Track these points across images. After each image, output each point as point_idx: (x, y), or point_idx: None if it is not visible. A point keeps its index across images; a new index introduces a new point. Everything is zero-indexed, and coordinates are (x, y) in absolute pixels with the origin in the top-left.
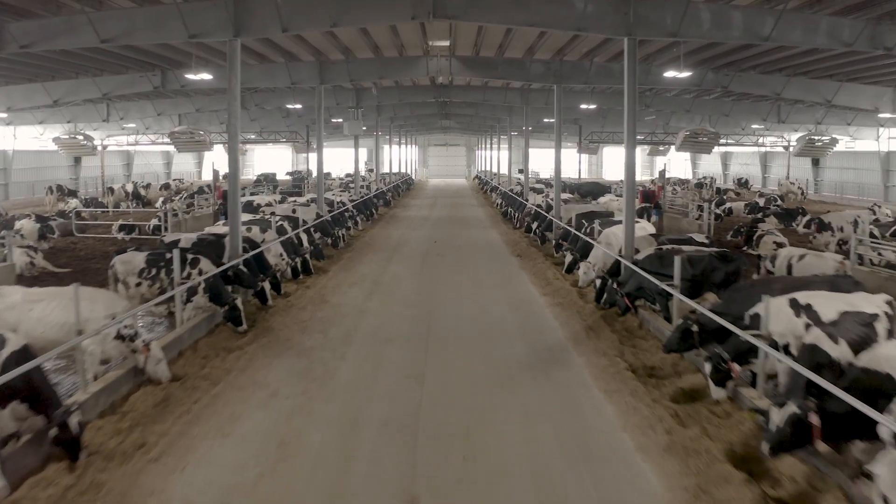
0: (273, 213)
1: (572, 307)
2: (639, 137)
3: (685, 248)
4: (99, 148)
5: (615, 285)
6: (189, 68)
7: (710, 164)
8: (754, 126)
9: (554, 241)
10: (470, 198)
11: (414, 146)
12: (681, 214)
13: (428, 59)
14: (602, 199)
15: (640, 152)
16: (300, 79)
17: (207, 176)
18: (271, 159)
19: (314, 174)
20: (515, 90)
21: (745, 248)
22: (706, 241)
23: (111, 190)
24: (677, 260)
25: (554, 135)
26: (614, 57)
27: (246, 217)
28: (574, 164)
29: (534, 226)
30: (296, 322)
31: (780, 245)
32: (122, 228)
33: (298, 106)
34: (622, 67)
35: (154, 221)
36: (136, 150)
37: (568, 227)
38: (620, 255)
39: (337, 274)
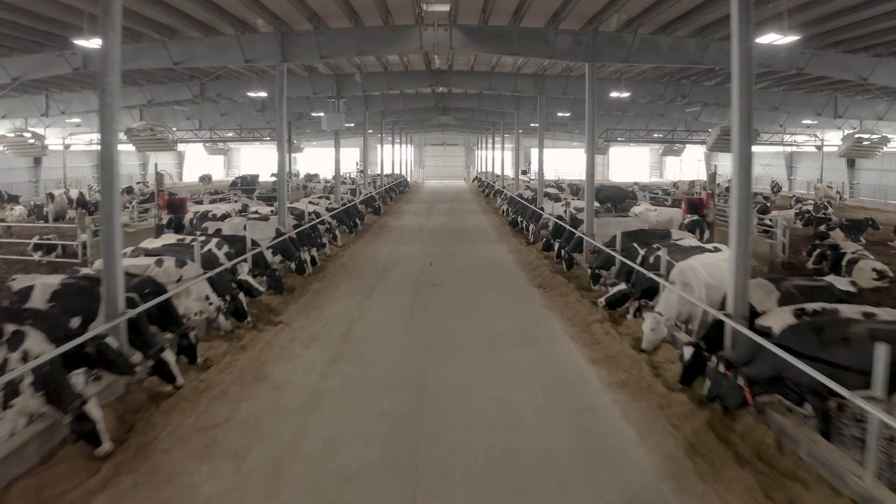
0: (201, 236)
1: (648, 395)
2: (656, 136)
3: (841, 308)
4: (60, 147)
5: (724, 367)
6: (82, 33)
7: (727, 165)
8: (806, 122)
9: (589, 269)
10: (470, 202)
11: (409, 145)
12: None
13: (422, 29)
14: (637, 209)
15: (650, 153)
16: (256, 55)
17: (190, 178)
18: (258, 160)
19: (301, 175)
20: (528, 77)
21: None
22: (852, 289)
23: (51, 196)
24: (880, 352)
25: (568, 130)
26: (664, 27)
27: (165, 243)
28: (575, 165)
29: (555, 243)
30: (199, 431)
31: (881, 274)
32: (37, 248)
33: (262, 94)
34: (674, 42)
35: (84, 237)
36: None
37: (611, 252)
38: (724, 313)
39: (294, 318)
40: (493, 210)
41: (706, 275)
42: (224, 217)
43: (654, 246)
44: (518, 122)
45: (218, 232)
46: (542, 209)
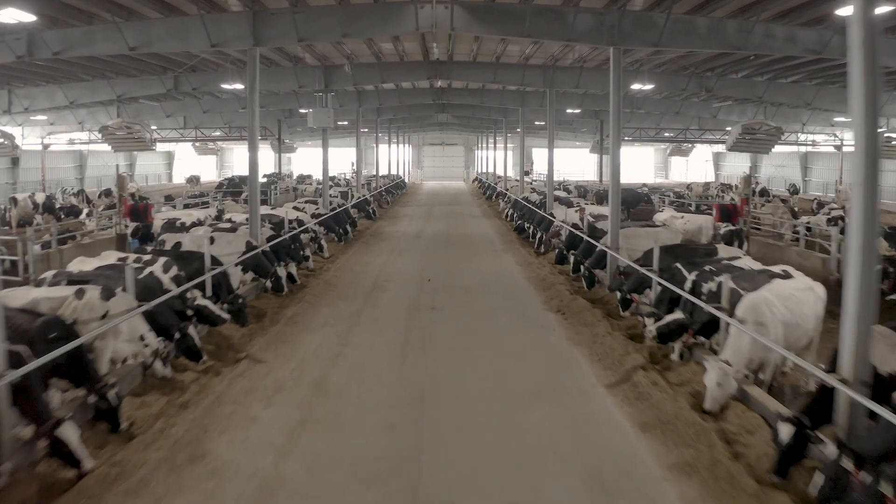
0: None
1: (731, 490)
2: (667, 135)
3: None
4: (39, 147)
5: (851, 462)
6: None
7: (736, 166)
8: (839, 119)
9: (618, 293)
10: (471, 205)
11: (407, 145)
12: (774, 238)
13: (418, 7)
14: (661, 216)
15: (655, 153)
16: (224, 37)
17: (179, 179)
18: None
19: (294, 175)
20: (536, 68)
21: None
22: None
23: (13, 201)
24: None
25: (572, 129)
26: (699, 7)
27: (102, 263)
28: (578, 166)
29: (570, 256)
30: None
31: None
32: None
33: (238, 86)
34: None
35: (37, 248)
36: (91, 150)
37: (647, 273)
38: (839, 378)
39: (259, 357)
40: (495, 214)
41: (784, 311)
42: (193, 226)
43: (708, 269)
44: (523, 120)
45: (177, 247)
46: (552, 215)
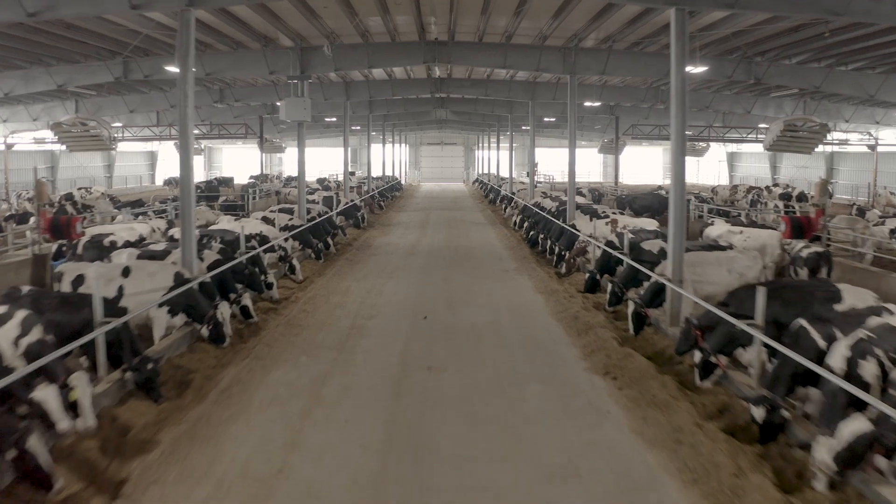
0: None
1: None
2: (687, 133)
3: None
4: (2, 147)
5: None
6: None
7: (751, 167)
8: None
9: (699, 353)
10: (472, 209)
11: (404, 145)
12: (854, 257)
13: None
14: (713, 230)
15: (664, 153)
16: None
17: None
18: (240, 160)
19: (281, 175)
20: (555, 51)
21: None
22: None
23: None
24: None
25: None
26: None
27: None
28: (583, 166)
29: (609, 285)
30: None
31: None
32: None
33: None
34: None
35: None
36: (64, 149)
37: (749, 329)
38: None
39: (154, 475)
40: (501, 221)
41: None
42: (129, 246)
43: (865, 336)
44: (533, 115)
45: (79, 281)
46: (574, 228)
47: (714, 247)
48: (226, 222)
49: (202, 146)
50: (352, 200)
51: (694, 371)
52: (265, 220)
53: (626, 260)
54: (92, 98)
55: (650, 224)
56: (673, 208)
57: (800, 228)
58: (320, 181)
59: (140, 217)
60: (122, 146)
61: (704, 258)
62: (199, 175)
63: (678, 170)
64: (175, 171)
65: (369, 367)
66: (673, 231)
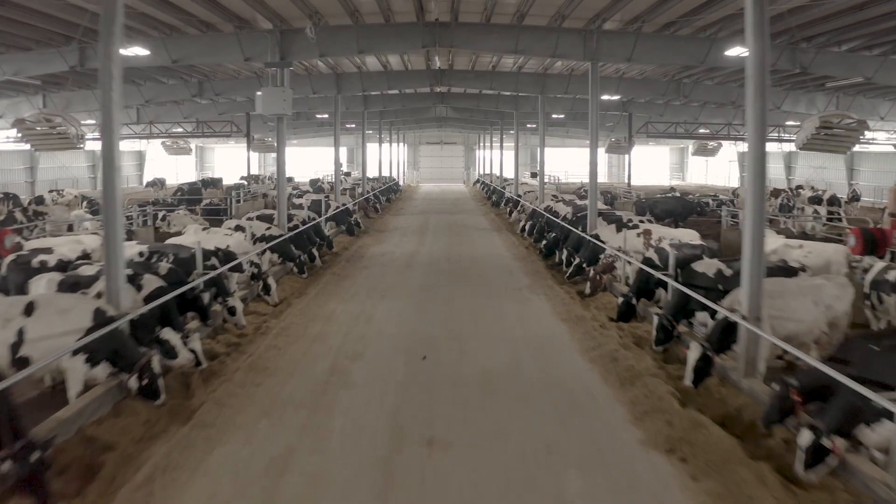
0: None
1: None
2: (702, 131)
3: None
4: None
5: None
6: None
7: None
8: None
9: (809, 433)
10: (475, 213)
11: (402, 144)
12: None
13: None
14: (773, 243)
15: (671, 152)
16: None
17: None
18: (232, 160)
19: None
20: (573, 33)
21: None
22: None
23: None
24: None
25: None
26: None
27: None
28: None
29: (661, 319)
30: None
31: None
32: None
33: (139, 52)
34: None
35: None
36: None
37: (882, 402)
38: None
39: None
40: (507, 226)
41: None
42: (61, 267)
43: None
44: (543, 111)
45: None
46: (597, 239)
47: (784, 269)
48: (192, 232)
49: (188, 145)
50: (343, 204)
51: (795, 452)
52: (240, 228)
53: (673, 284)
54: (60, 92)
55: (690, 236)
56: (750, 222)
57: (873, 243)
58: (313, 182)
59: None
60: None
61: (785, 287)
62: (191, 175)
63: (758, 169)
64: (163, 172)
65: (348, 439)
66: (749, 252)
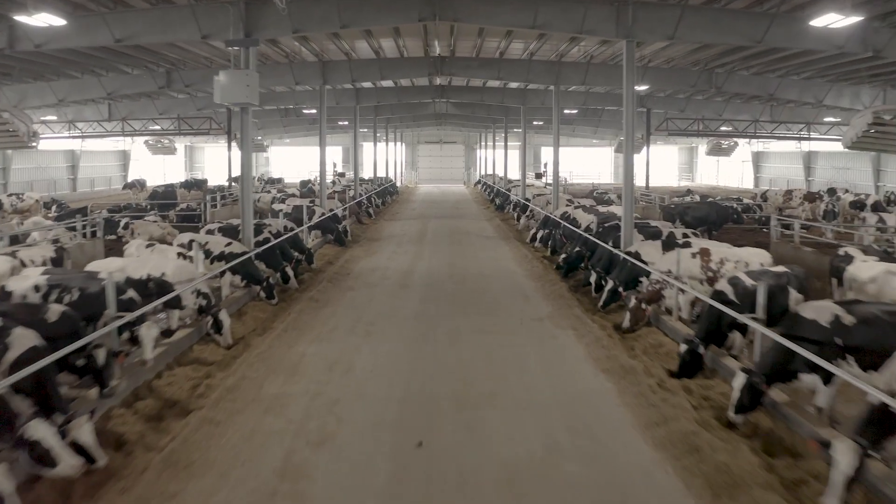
0: None
1: None
2: (724, 129)
3: None
4: None
5: None
6: None
7: (779, 168)
8: None
9: None
10: (478, 217)
11: (400, 143)
12: None
13: None
14: (860, 272)
15: (680, 152)
16: None
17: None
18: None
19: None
20: (606, 6)
21: None
22: None
23: None
24: None
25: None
26: None
27: None
28: (594, 167)
29: (751, 379)
30: None
31: None
32: None
33: (49, 21)
34: None
35: None
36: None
37: None
38: None
39: None
40: (514, 233)
41: None
42: None
43: None
44: (558, 103)
45: None
46: (638, 257)
47: None
48: (135, 248)
49: (172, 144)
50: (331, 210)
51: None
52: (179, 249)
53: (771, 335)
54: (14, 85)
55: (761, 257)
56: None
57: None
58: (303, 184)
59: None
60: (91, 144)
61: None
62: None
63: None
64: (149, 173)
65: None
66: None
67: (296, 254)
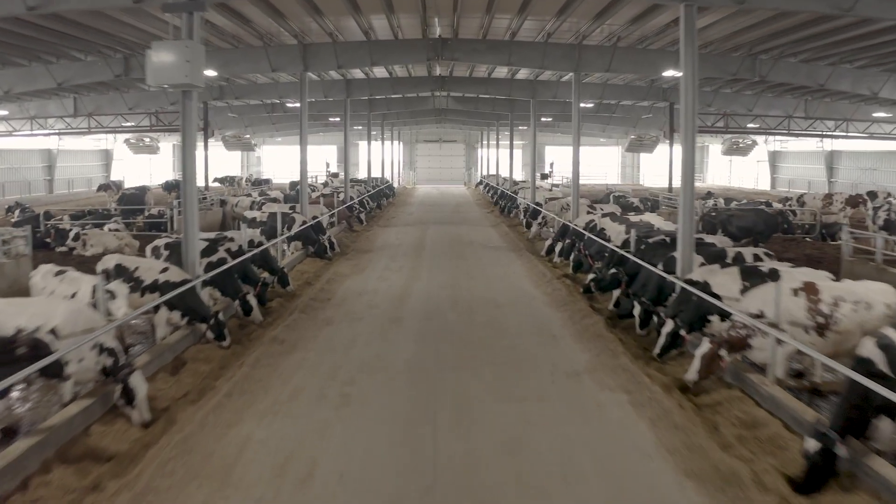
0: None
1: None
2: (752, 125)
3: None
4: None
5: None
6: None
7: (798, 168)
8: None
9: None
10: (482, 223)
11: (398, 142)
12: None
13: None
14: None
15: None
16: None
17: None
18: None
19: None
20: None
21: None
22: None
23: None
24: None
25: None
26: None
27: None
28: (601, 167)
29: None
30: None
31: None
32: None
33: None
34: None
35: None
36: None
37: None
38: None
39: None
40: (525, 243)
41: None
42: None
43: None
44: (577, 94)
45: None
46: (706, 288)
47: None
48: (41, 278)
49: (155, 142)
50: (314, 217)
51: None
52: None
53: None
54: None
55: (884, 295)
56: None
57: None
58: (292, 186)
59: None
60: (69, 143)
61: None
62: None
63: None
64: (134, 173)
65: None
66: None
67: (264, 275)
